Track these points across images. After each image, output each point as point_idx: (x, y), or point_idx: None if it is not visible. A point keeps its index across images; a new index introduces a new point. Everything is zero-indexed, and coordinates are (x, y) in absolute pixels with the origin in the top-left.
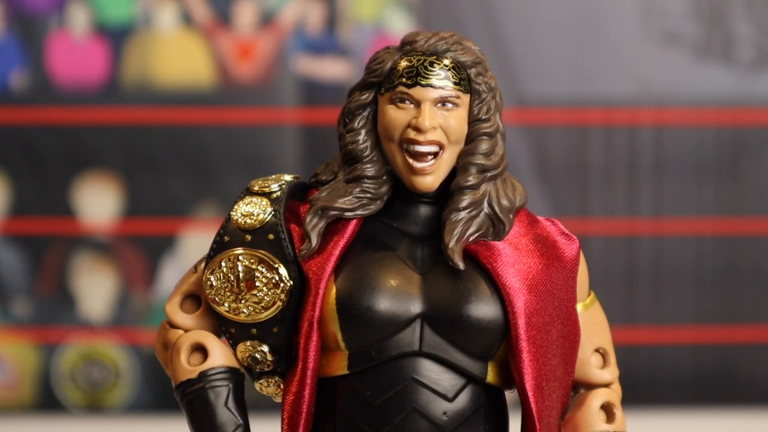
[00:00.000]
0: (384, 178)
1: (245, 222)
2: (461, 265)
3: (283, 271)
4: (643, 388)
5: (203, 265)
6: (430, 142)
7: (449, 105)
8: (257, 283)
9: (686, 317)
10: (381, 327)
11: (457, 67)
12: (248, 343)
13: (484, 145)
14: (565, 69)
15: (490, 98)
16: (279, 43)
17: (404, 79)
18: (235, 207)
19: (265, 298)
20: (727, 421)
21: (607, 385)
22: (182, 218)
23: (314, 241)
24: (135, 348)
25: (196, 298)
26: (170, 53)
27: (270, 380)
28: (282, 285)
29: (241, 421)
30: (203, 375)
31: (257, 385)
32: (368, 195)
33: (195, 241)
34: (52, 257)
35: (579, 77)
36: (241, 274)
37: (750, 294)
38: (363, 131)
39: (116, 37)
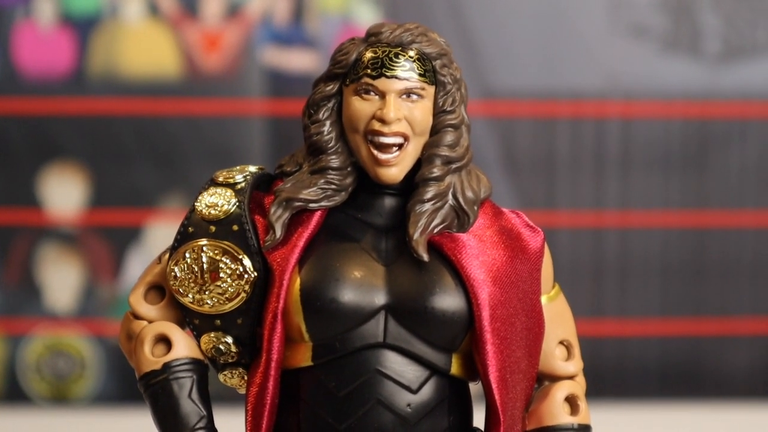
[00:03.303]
0: (349, 169)
1: (209, 213)
2: (425, 257)
3: (247, 262)
4: (609, 381)
5: (167, 256)
6: (395, 134)
7: (414, 96)
8: (221, 275)
9: (653, 309)
10: (345, 318)
11: (423, 59)
12: (212, 335)
13: (449, 137)
14: (533, 61)
15: (455, 90)
16: (246, 34)
17: (369, 71)
18: (200, 198)
19: (229, 289)
20: (693, 413)
21: (571, 378)
22: (148, 209)
23: (279, 232)
24: (101, 339)
25: (160, 289)
26: (137, 44)
27: (234, 372)
28: (246, 276)
29: (205, 413)
30: (167, 366)
31: (221, 377)
32: (333, 186)
33: (161, 232)
34: (17, 248)
35: (546, 69)
36: (205, 265)
37: (716, 286)
38: (328, 122)
39: (83, 27)
